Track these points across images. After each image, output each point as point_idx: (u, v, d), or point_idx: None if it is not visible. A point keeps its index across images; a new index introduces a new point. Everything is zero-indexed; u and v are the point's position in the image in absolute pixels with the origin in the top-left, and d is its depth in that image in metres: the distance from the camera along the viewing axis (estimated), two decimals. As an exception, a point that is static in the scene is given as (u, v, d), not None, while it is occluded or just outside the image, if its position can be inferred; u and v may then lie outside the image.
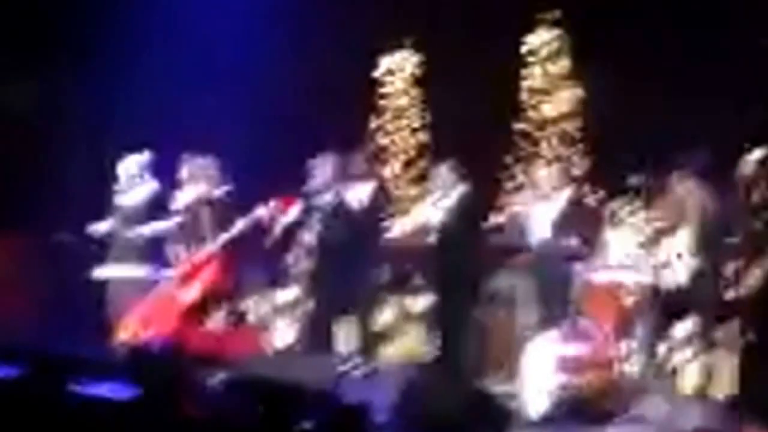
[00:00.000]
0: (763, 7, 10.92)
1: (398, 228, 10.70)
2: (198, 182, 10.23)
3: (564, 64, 13.76)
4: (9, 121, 12.81)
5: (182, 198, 10.32)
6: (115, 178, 10.52)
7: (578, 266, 9.43)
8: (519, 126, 13.75)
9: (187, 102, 12.47)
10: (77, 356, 7.02)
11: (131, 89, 12.68)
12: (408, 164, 14.53)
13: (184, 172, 10.32)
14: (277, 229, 10.23)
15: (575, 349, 8.49)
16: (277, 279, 11.19)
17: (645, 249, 8.88)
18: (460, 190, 10.12)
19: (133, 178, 10.39)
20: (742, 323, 7.92)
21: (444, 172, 10.19)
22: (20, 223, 11.47)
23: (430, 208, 10.31)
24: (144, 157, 10.47)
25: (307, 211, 10.31)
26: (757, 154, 7.53)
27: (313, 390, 7.13)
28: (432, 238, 10.23)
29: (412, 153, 14.52)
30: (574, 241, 9.60)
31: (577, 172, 13.03)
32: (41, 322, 10.36)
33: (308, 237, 10.36)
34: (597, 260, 9.30)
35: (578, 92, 13.62)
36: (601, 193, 11.63)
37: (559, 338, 8.70)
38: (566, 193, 10.10)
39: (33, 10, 12.93)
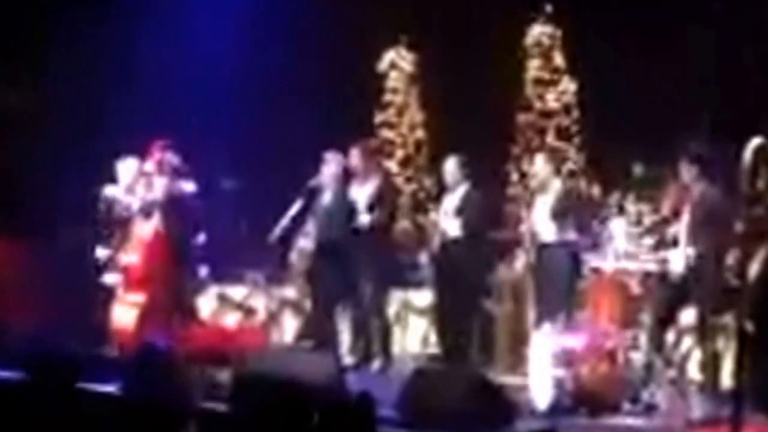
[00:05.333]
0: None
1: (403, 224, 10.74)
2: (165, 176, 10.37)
3: (561, 57, 13.83)
4: (7, 125, 12.85)
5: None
6: (112, 180, 10.64)
7: (585, 255, 9.45)
8: (519, 119, 13.83)
9: (187, 102, 12.48)
10: (82, 358, 7.04)
11: (131, 90, 12.70)
12: (406, 161, 14.61)
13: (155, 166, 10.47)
14: (281, 226, 10.25)
15: (577, 341, 8.50)
16: (281, 275, 11.24)
17: (650, 237, 8.90)
18: (465, 186, 10.17)
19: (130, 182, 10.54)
20: (746, 311, 7.92)
21: (451, 168, 10.23)
22: (22, 228, 11.49)
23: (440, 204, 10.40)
24: (133, 163, 10.57)
25: (309, 208, 10.34)
26: (758, 140, 7.52)
27: (318, 385, 7.16)
28: (438, 234, 10.29)
29: (410, 149, 14.60)
30: (572, 232, 9.62)
31: (577, 162, 13.08)
32: (46, 325, 10.37)
33: (304, 238, 10.39)
34: (603, 249, 9.31)
35: (576, 84, 13.68)
36: (602, 183, 11.65)
37: (562, 330, 8.72)
38: (561, 184, 10.13)
39: (27, 14, 12.96)
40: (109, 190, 10.56)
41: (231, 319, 11.02)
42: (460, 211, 10.09)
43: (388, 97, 14.73)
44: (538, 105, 13.89)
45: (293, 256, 11.09)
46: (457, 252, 10.05)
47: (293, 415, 5.33)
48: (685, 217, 8.47)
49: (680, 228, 8.48)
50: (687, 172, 8.51)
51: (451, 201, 10.24)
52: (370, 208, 10.17)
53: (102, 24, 12.83)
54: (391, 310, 10.92)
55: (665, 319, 8.54)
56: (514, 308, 10.42)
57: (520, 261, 10.37)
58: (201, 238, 10.35)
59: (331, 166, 10.19)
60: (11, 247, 11.19)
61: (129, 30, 12.90)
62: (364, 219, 10.14)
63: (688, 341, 8.55)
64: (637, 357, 8.53)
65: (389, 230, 10.55)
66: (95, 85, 12.69)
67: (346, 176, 10.34)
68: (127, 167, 10.57)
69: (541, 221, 9.87)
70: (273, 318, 11.11)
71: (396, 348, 10.73)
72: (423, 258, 11.44)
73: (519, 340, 10.02)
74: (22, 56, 12.91)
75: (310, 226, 10.48)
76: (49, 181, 12.39)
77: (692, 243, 8.37)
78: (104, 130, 12.18)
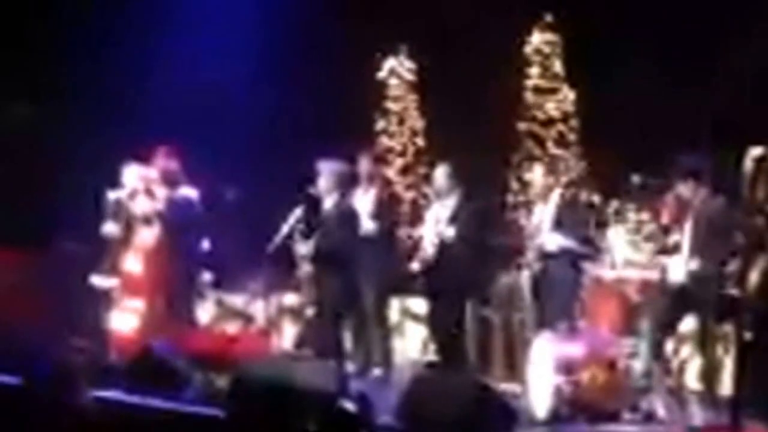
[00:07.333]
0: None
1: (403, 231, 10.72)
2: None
3: (561, 66, 13.87)
4: (10, 135, 12.88)
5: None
6: (115, 186, 10.64)
7: (584, 264, 9.45)
8: (519, 126, 13.86)
9: (190, 110, 12.49)
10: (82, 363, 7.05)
11: (134, 99, 12.72)
12: (406, 168, 14.64)
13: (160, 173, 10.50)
14: (281, 234, 10.26)
15: (577, 349, 8.51)
16: (280, 283, 11.25)
17: (649, 246, 8.91)
18: (457, 195, 10.15)
19: (135, 188, 10.54)
20: (745, 320, 7.94)
21: (440, 177, 10.22)
22: (21, 236, 11.50)
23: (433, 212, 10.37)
24: (137, 169, 10.58)
25: (309, 215, 10.33)
26: (758, 150, 7.54)
27: (317, 392, 7.17)
28: (435, 241, 10.28)
29: (410, 157, 14.63)
30: (572, 240, 9.62)
31: (576, 170, 13.10)
32: (46, 329, 10.38)
33: (304, 246, 10.41)
34: (603, 257, 9.32)
35: (576, 92, 13.72)
36: (601, 191, 11.67)
37: (561, 337, 8.72)
38: (562, 193, 10.12)
39: (28, 27, 13.00)
40: (115, 194, 10.59)
41: (231, 326, 11.04)
42: (453, 220, 10.07)
43: (388, 104, 14.76)
44: (537, 113, 13.92)
45: (294, 264, 11.09)
46: (451, 260, 10.02)
47: (292, 420, 5.35)
48: (688, 226, 8.47)
49: (680, 237, 8.49)
50: (684, 187, 8.50)
51: (443, 210, 10.20)
52: (376, 216, 10.18)
53: (104, 35, 12.86)
54: (392, 317, 10.92)
55: (665, 327, 8.55)
56: (514, 316, 10.42)
57: (522, 268, 10.37)
58: (205, 245, 10.39)
59: (325, 174, 10.19)
60: (10, 255, 11.21)
61: (132, 38, 12.93)
62: (369, 225, 10.15)
63: (687, 349, 8.56)
64: (637, 365, 8.54)
65: (392, 238, 10.56)
66: (96, 92, 12.70)
67: (353, 183, 10.35)
68: (132, 173, 10.59)
69: (541, 231, 9.87)
70: (272, 325, 11.12)
71: (396, 355, 10.73)
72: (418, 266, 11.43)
73: (517, 348, 10.02)
74: (22, 68, 12.94)
75: (311, 234, 10.46)
76: (48, 189, 12.41)
77: (693, 252, 8.38)
78: (105, 138, 12.19)
